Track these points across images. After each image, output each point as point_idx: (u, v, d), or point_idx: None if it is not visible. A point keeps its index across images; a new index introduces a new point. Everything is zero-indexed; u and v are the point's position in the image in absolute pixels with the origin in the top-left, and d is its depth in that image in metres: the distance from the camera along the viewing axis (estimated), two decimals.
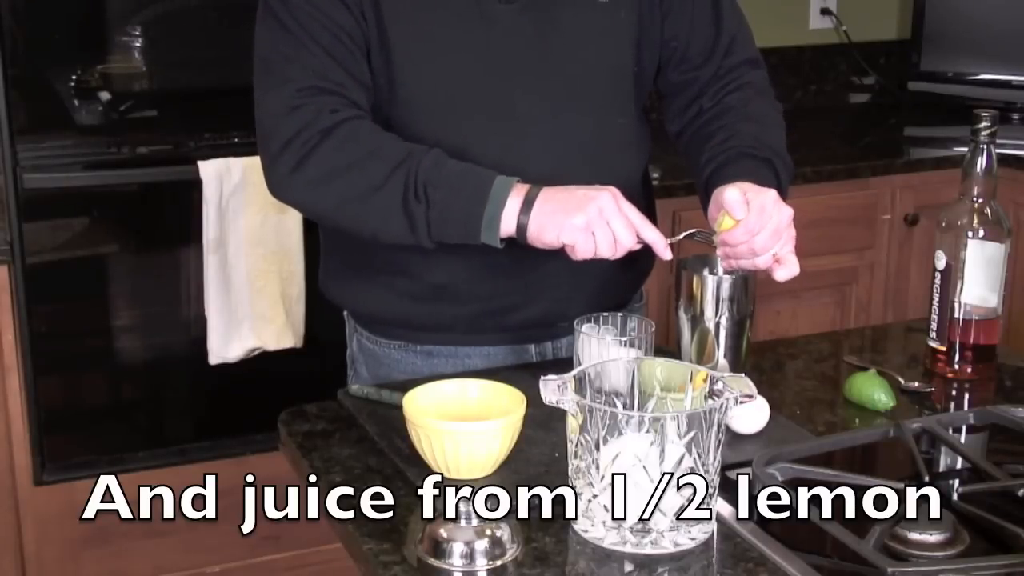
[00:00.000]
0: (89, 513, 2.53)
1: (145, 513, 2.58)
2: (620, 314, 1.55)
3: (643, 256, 1.71)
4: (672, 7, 1.69)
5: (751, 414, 1.46)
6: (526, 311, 1.68)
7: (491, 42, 1.59)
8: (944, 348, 1.68)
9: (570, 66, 1.62)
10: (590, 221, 1.45)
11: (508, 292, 1.66)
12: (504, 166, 1.54)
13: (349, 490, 1.38)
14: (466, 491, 1.22)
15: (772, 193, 1.52)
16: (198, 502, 2.61)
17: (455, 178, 1.50)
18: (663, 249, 1.49)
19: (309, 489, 1.46)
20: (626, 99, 1.70)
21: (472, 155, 1.56)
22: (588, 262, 1.51)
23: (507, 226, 1.49)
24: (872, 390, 1.57)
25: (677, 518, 1.22)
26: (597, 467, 1.22)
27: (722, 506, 1.31)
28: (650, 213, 1.78)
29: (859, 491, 1.38)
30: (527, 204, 1.48)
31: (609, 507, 1.22)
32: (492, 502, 1.23)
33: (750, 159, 1.62)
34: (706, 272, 1.59)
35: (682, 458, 1.21)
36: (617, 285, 1.74)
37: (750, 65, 1.75)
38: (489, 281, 1.65)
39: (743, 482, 1.37)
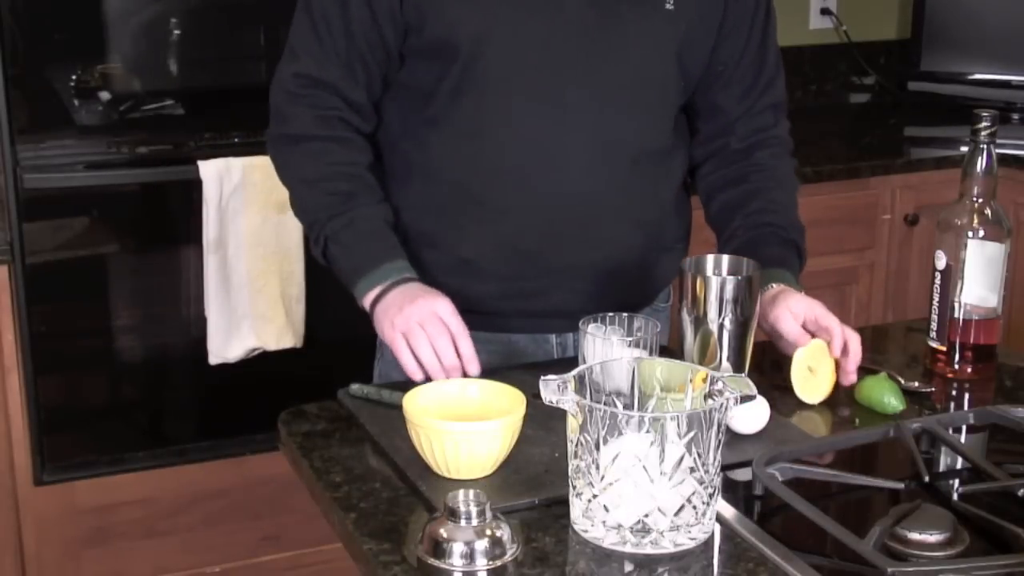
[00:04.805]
0: (89, 513, 2.53)
1: (145, 513, 2.58)
2: (626, 314, 1.55)
3: (669, 261, 1.73)
4: (730, 33, 1.72)
5: (751, 414, 1.46)
6: (548, 298, 1.70)
7: (554, 29, 1.61)
8: (944, 348, 1.68)
9: (625, 65, 1.64)
10: (405, 324, 1.54)
11: (532, 276, 1.69)
12: (545, 153, 1.61)
13: (349, 490, 1.38)
14: (466, 491, 1.22)
15: (819, 305, 1.62)
16: (198, 502, 2.61)
17: (354, 246, 1.64)
18: (470, 363, 1.55)
19: (309, 489, 1.46)
20: (672, 107, 1.73)
21: (516, 138, 1.62)
22: (611, 261, 1.64)
23: (366, 303, 1.62)
24: (882, 393, 1.57)
25: (677, 518, 1.22)
26: (597, 467, 1.22)
27: (722, 506, 1.31)
28: (686, 222, 1.81)
29: (859, 491, 1.38)
30: (384, 292, 1.60)
31: (609, 507, 1.22)
32: (492, 502, 1.23)
33: (780, 247, 1.71)
34: (710, 273, 1.59)
35: (682, 458, 1.21)
36: (638, 290, 1.76)
37: (778, 111, 1.80)
38: (515, 262, 1.68)
39: (743, 482, 1.37)
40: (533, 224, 1.65)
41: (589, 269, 1.68)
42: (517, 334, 1.74)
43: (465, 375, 1.54)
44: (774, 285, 1.66)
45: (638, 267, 1.72)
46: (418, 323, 1.54)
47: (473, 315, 1.71)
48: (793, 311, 1.61)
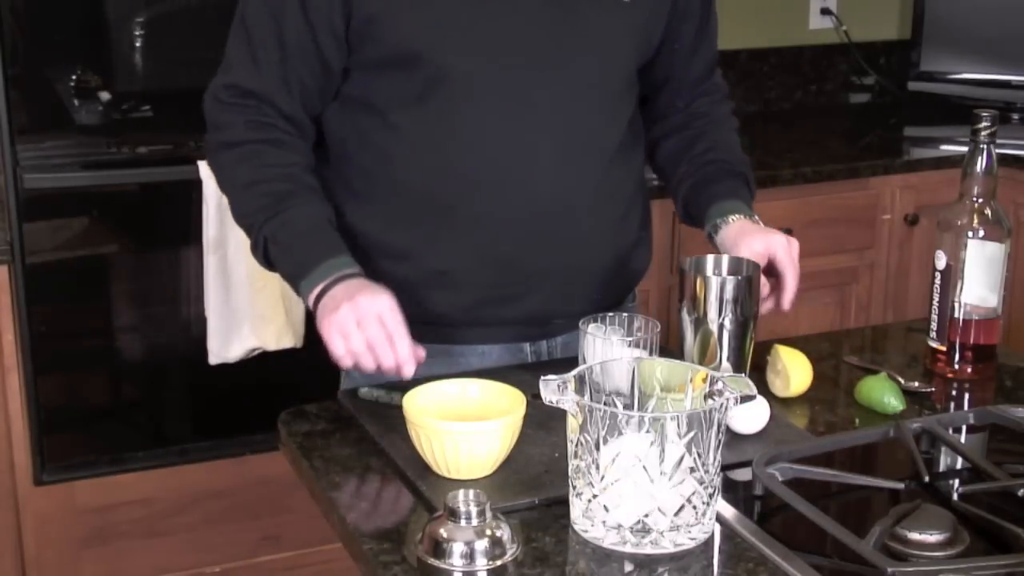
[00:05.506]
0: (89, 513, 2.53)
1: (145, 513, 2.58)
2: (626, 314, 1.55)
3: (638, 256, 1.74)
4: (685, 17, 1.75)
5: (751, 414, 1.46)
6: (524, 304, 1.68)
7: (516, 30, 1.60)
8: (944, 348, 1.68)
9: (588, 62, 1.64)
10: (339, 322, 1.50)
11: (508, 282, 1.66)
12: (515, 157, 1.60)
13: (349, 490, 1.38)
14: (466, 491, 1.22)
15: (779, 239, 1.64)
16: (198, 502, 2.61)
17: (295, 245, 1.60)
18: (404, 364, 1.50)
19: (309, 489, 1.46)
20: (633, 99, 1.74)
21: (485, 144, 1.60)
22: (586, 260, 1.62)
23: (309, 303, 1.57)
24: (883, 393, 1.57)
25: (677, 518, 1.22)
26: (597, 467, 1.22)
27: (722, 506, 1.31)
28: (647, 212, 1.82)
29: (859, 491, 1.38)
30: (324, 290, 1.55)
31: (609, 507, 1.22)
32: (492, 502, 1.23)
33: (729, 179, 1.75)
34: (710, 273, 1.59)
35: (682, 458, 1.21)
36: (614, 284, 1.75)
37: (714, 65, 1.85)
38: (490, 269, 1.65)
39: (743, 482, 1.37)
40: (507, 229, 1.63)
41: (563, 272, 1.67)
42: (490, 345, 1.71)
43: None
44: (732, 219, 1.69)
45: (612, 264, 1.71)
46: (356, 322, 1.50)
47: (447, 328, 1.69)
48: (754, 251, 1.63)
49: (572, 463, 1.26)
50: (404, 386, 1.53)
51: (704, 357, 1.56)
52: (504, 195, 1.62)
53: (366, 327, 1.50)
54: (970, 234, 1.64)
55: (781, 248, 1.64)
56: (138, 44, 2.45)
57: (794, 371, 1.61)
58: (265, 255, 1.62)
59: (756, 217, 1.71)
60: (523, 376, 1.53)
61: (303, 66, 1.61)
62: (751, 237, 1.65)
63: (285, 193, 1.61)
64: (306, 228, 1.60)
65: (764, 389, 1.61)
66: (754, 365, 1.61)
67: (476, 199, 1.62)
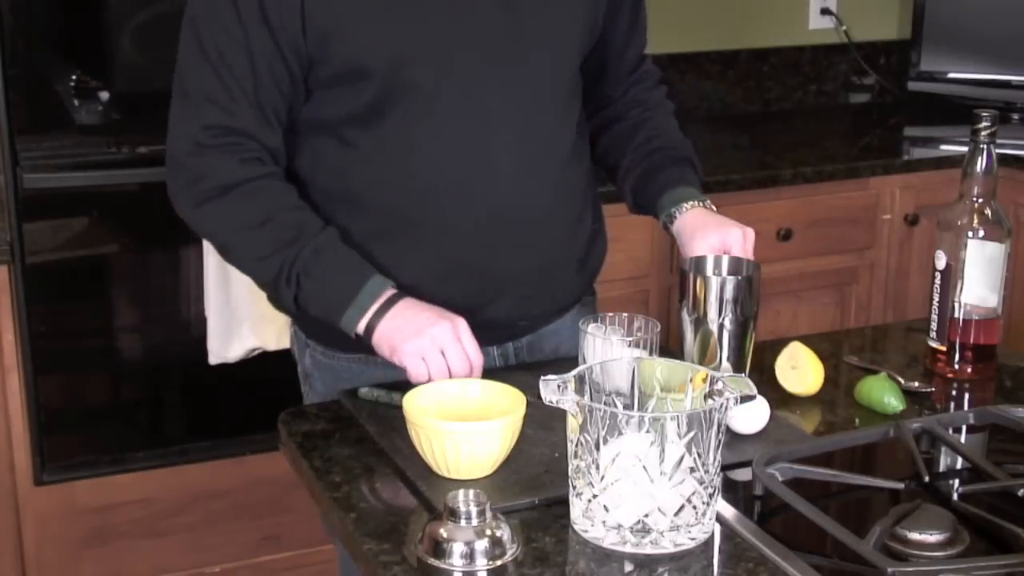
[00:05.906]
0: (89, 513, 2.53)
1: (145, 513, 2.58)
2: (626, 314, 1.55)
3: (596, 250, 1.76)
4: (621, 8, 1.76)
5: (751, 414, 1.46)
6: (490, 310, 1.66)
7: (469, 37, 1.58)
8: (944, 348, 1.68)
9: (539, 62, 1.63)
10: (422, 347, 1.51)
11: (474, 291, 1.64)
12: (476, 164, 1.58)
13: (349, 490, 1.38)
14: (466, 491, 1.22)
15: (735, 233, 1.64)
16: (198, 502, 2.61)
17: (330, 273, 1.56)
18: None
19: (309, 489, 1.46)
20: (579, 99, 1.74)
21: (445, 153, 1.58)
22: (548, 261, 1.62)
23: (360, 327, 1.55)
24: (883, 393, 1.57)
25: (677, 518, 1.22)
26: (597, 467, 1.22)
27: (722, 506, 1.31)
28: (598, 204, 1.81)
29: (859, 491, 1.38)
30: (380, 311, 1.54)
31: (609, 507, 1.22)
32: (492, 502, 1.23)
33: (675, 166, 1.75)
34: (710, 273, 1.59)
35: (682, 458, 1.21)
36: (573, 284, 1.75)
37: (644, 52, 1.86)
38: (456, 279, 1.63)
39: (743, 482, 1.37)
40: (471, 238, 1.61)
41: (528, 275, 1.66)
42: None
43: None
44: (686, 207, 1.69)
45: (573, 262, 1.71)
46: (440, 350, 1.51)
47: None
48: (711, 246, 1.64)
49: (572, 463, 1.26)
50: (404, 386, 1.53)
51: (704, 357, 1.56)
52: (466, 204, 1.60)
53: (450, 355, 1.52)
54: (970, 234, 1.64)
55: (736, 244, 1.64)
56: (138, 44, 2.44)
57: (812, 370, 1.61)
58: (295, 295, 1.57)
59: (708, 202, 1.71)
60: (523, 376, 1.53)
61: (276, 91, 1.57)
62: (707, 231, 1.65)
63: (300, 223, 1.57)
64: (333, 254, 1.56)
65: (773, 383, 1.61)
66: (756, 364, 1.61)
67: (438, 210, 1.60)
